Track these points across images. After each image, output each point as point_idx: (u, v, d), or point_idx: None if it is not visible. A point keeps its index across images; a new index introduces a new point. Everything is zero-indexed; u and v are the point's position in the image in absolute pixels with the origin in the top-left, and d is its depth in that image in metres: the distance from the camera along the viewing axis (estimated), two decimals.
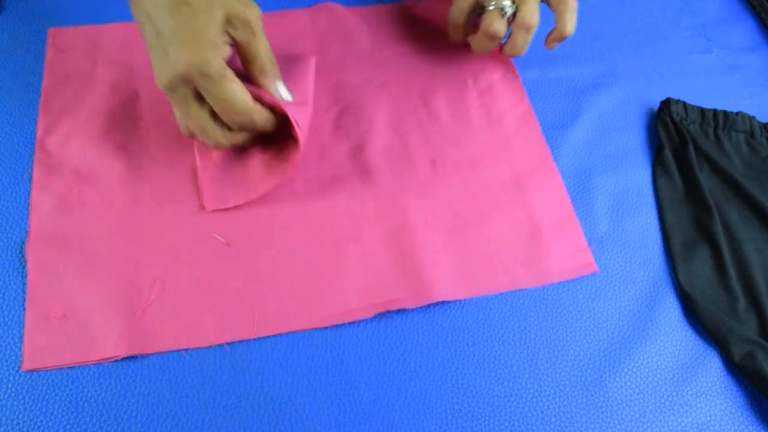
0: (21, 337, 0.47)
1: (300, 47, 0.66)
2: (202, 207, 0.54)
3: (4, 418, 0.44)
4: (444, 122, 0.63)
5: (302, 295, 0.51)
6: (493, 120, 0.63)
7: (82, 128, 0.57)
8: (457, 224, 0.56)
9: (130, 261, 0.51)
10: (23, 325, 0.47)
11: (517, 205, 0.58)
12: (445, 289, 0.52)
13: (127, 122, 0.58)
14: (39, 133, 0.57)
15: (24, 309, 0.48)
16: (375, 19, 0.70)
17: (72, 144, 0.56)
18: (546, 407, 0.49)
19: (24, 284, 0.49)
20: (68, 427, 0.45)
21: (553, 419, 0.49)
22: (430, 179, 0.59)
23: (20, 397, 0.45)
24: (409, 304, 0.51)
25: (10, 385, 0.46)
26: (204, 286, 0.51)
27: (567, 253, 0.56)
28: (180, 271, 0.51)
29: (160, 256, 0.52)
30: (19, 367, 0.46)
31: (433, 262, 0.53)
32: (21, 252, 0.51)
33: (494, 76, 0.67)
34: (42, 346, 0.47)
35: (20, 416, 0.45)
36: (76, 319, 0.48)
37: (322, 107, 0.62)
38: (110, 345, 0.47)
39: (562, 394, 0.50)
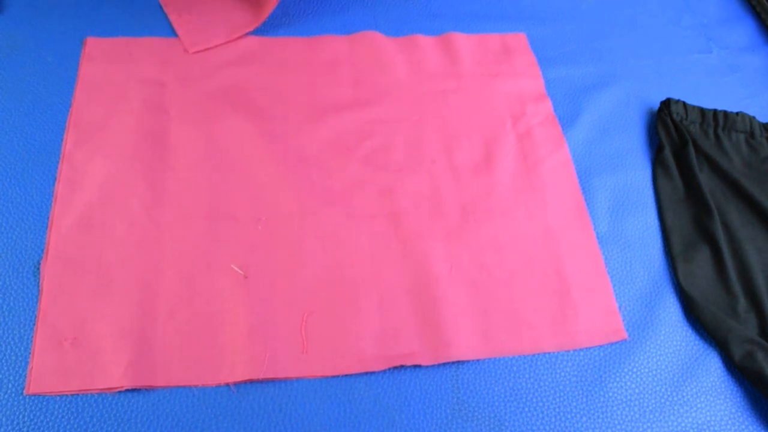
0: (28, 359, 0.46)
1: (335, 76, 0.64)
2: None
3: None
4: (478, 166, 0.60)
5: (316, 336, 0.49)
6: (529, 167, 0.60)
7: (109, 145, 0.55)
8: (482, 277, 0.53)
9: (146, 288, 0.49)
10: (31, 347, 0.46)
11: (548, 261, 0.55)
12: (464, 348, 0.50)
13: (155, 141, 0.56)
14: (67, 147, 0.55)
15: (33, 330, 0.47)
16: (414, 50, 0.67)
17: (98, 160, 0.54)
18: (546, 407, 0.49)
19: (35, 304, 0.48)
20: None
21: (553, 419, 0.49)
22: (458, 227, 0.56)
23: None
24: (424, 361, 0.49)
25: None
26: (217, 319, 0.49)
27: (596, 316, 0.53)
28: (194, 302, 0.49)
29: (176, 284, 0.50)
30: (24, 389, 0.45)
31: (455, 317, 0.51)
32: (35, 270, 0.49)
33: (534, 121, 0.64)
34: (49, 370, 0.45)
35: None
36: (86, 345, 0.46)
37: (353, 141, 0.60)
38: (118, 375, 0.45)
39: (562, 394, 0.50)
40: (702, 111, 0.65)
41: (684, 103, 0.65)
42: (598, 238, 0.58)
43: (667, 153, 0.63)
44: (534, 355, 0.51)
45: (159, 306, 0.49)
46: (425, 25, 0.71)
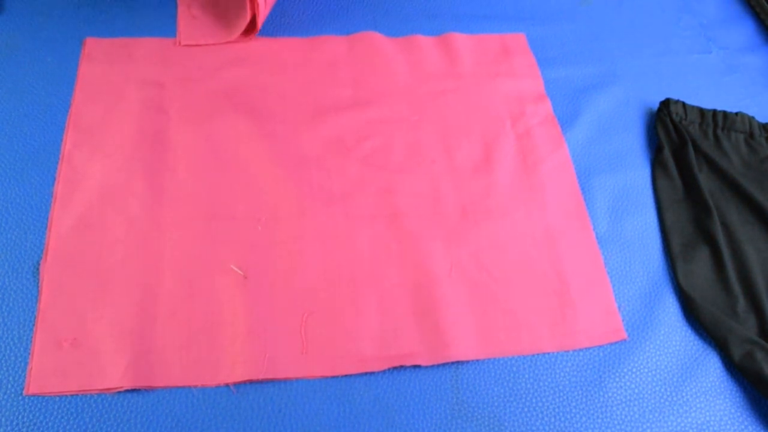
0: (27, 360, 0.46)
1: (334, 76, 0.64)
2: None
3: None
4: (478, 166, 0.60)
5: (316, 336, 0.49)
6: (529, 167, 0.60)
7: (109, 145, 0.55)
8: (482, 278, 0.53)
9: (146, 288, 0.49)
10: (31, 347, 0.46)
11: (547, 261, 0.55)
12: (463, 348, 0.50)
13: (155, 141, 0.56)
14: (67, 147, 0.55)
15: (33, 330, 0.47)
16: (414, 50, 0.67)
17: (98, 160, 0.54)
18: (546, 407, 0.49)
19: (35, 305, 0.48)
20: None
21: (552, 419, 0.49)
22: (458, 227, 0.56)
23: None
24: (424, 361, 0.49)
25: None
26: (217, 320, 0.49)
27: (595, 316, 0.53)
28: (194, 302, 0.49)
29: (176, 284, 0.50)
30: (23, 389, 0.45)
31: (454, 318, 0.51)
32: (35, 271, 0.49)
33: (534, 121, 0.64)
34: (49, 371, 0.45)
35: None
36: (86, 345, 0.46)
37: (352, 141, 0.60)
38: (118, 375, 0.45)
39: (561, 394, 0.50)
40: (701, 111, 0.65)
41: (683, 104, 0.65)
42: (597, 238, 0.58)
43: (667, 153, 0.63)
44: (533, 356, 0.51)
45: (159, 306, 0.49)
46: (425, 25, 0.71)
